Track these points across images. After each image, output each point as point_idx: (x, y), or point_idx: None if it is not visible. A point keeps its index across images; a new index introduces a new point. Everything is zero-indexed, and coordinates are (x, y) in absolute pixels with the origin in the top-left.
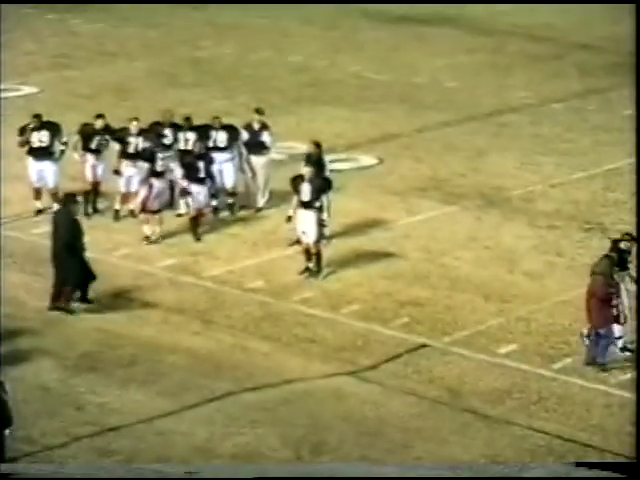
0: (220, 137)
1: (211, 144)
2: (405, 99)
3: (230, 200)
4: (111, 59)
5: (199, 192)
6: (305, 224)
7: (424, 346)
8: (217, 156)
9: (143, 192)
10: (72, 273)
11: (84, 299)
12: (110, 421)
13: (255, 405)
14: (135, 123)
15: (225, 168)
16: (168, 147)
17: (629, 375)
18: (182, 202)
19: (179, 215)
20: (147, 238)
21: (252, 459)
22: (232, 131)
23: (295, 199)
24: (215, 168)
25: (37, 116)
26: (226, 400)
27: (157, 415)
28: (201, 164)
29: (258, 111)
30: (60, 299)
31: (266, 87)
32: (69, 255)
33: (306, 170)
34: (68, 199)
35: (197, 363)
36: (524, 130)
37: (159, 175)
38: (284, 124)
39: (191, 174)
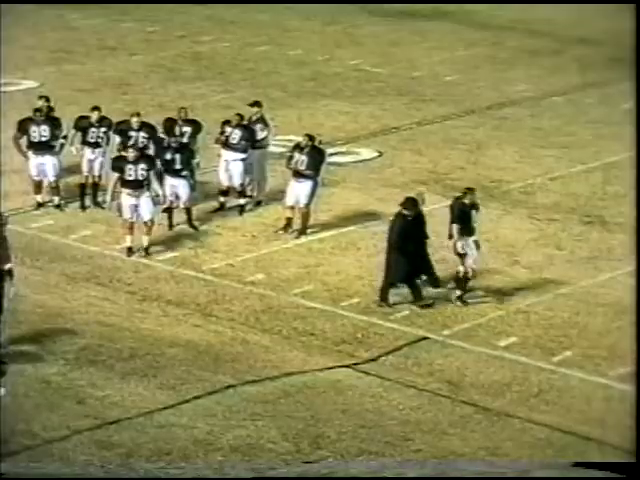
0: (233, 135)
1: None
2: (405, 92)
3: (242, 201)
4: (111, 54)
5: (176, 185)
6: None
7: (424, 339)
8: (227, 154)
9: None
10: (393, 271)
11: (416, 296)
12: (111, 414)
13: (255, 398)
14: (136, 118)
15: (233, 167)
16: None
17: (629, 368)
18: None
19: (164, 210)
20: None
21: (252, 452)
22: (195, 125)
23: (457, 227)
24: (223, 166)
25: (39, 110)
26: (226, 393)
27: (157, 408)
28: (177, 157)
29: (255, 104)
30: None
31: (266, 81)
32: (396, 253)
33: (471, 198)
34: (407, 202)
35: (197, 356)
36: (524, 123)
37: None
38: (284, 118)
39: (169, 167)
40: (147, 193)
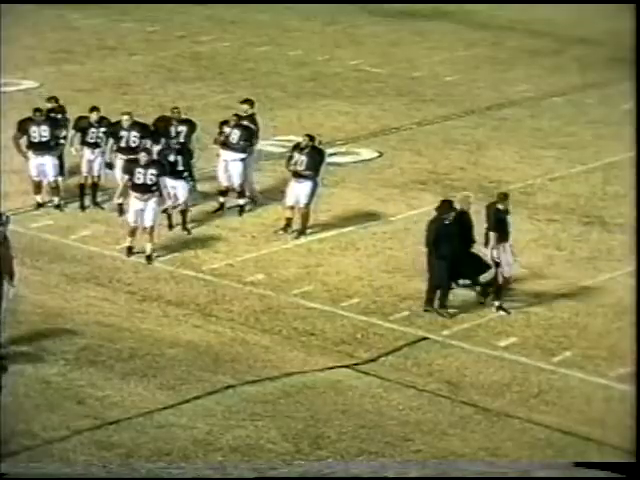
0: (232, 135)
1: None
2: (405, 93)
3: (241, 201)
4: (111, 54)
5: (176, 186)
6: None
7: (424, 339)
8: (226, 154)
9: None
10: (434, 275)
11: (441, 303)
12: (110, 414)
13: (255, 398)
14: (126, 117)
15: (232, 167)
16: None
17: (629, 369)
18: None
19: (164, 211)
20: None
21: (252, 452)
22: (190, 125)
23: (495, 235)
24: (222, 167)
25: (39, 110)
26: (226, 393)
27: (157, 408)
28: (179, 158)
29: (245, 102)
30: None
31: (266, 81)
32: (434, 258)
33: (505, 204)
34: (442, 206)
35: (197, 356)
36: (524, 124)
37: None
38: (284, 118)
39: (171, 169)
40: (154, 199)
